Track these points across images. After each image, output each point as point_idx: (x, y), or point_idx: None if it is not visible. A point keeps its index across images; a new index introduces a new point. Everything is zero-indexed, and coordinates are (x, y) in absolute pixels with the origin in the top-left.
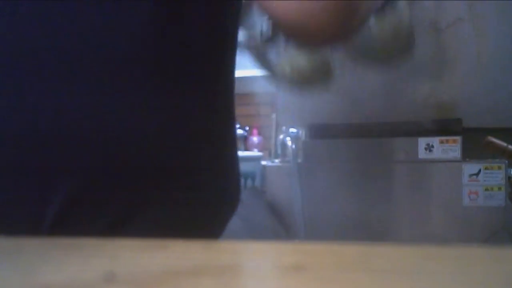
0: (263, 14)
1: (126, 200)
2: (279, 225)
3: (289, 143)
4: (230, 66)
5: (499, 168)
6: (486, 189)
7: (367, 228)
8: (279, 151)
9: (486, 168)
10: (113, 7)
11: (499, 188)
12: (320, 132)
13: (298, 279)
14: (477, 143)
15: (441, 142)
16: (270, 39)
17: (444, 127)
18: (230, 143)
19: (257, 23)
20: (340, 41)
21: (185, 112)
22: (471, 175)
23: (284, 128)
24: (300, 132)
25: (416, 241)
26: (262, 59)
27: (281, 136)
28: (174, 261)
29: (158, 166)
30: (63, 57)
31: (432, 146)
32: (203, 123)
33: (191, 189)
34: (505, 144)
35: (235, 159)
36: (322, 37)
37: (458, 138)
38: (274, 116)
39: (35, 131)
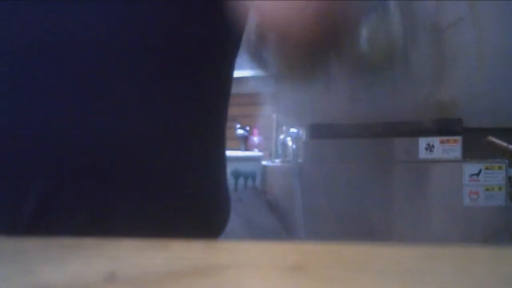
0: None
1: (105, 199)
2: (280, 225)
3: (289, 143)
4: (226, 69)
5: (500, 168)
6: (487, 189)
7: (368, 228)
8: (279, 151)
9: (486, 168)
10: (109, 8)
11: (500, 188)
12: (320, 132)
13: (299, 279)
14: (477, 143)
15: (442, 142)
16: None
17: (445, 127)
18: (219, 148)
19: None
20: (329, 46)
21: (172, 112)
22: (471, 175)
23: (284, 128)
24: (301, 132)
25: (416, 241)
26: (257, 59)
27: (282, 136)
28: (174, 261)
29: (139, 165)
30: (46, 57)
31: (433, 146)
32: (191, 125)
33: (175, 190)
34: (505, 144)
35: (224, 163)
36: (309, 40)
37: (459, 138)
38: (274, 116)
39: (10, 129)
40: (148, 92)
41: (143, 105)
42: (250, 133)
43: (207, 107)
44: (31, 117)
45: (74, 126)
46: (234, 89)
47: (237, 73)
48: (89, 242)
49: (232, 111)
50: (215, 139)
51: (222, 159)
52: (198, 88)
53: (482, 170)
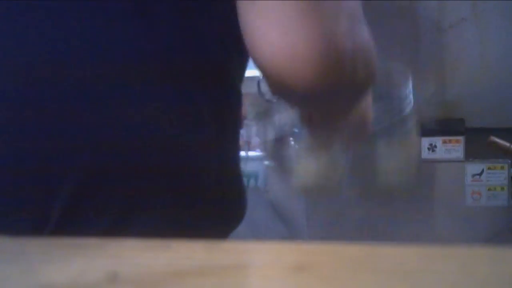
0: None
1: (128, 201)
2: (282, 225)
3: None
4: (241, 72)
5: (502, 168)
6: (489, 189)
7: (370, 228)
8: None
9: (489, 168)
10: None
11: (502, 188)
12: None
13: (301, 279)
14: (480, 143)
15: (444, 142)
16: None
17: (447, 127)
18: (235, 151)
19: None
20: (329, 92)
21: (193, 114)
22: (474, 175)
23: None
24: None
25: (419, 241)
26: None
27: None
28: (177, 261)
29: (162, 167)
30: (79, 62)
31: (435, 146)
32: (212, 128)
33: (195, 192)
34: (508, 144)
35: (239, 167)
36: (307, 84)
37: (461, 138)
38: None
39: (39, 130)
40: (173, 93)
41: (170, 106)
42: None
43: (226, 112)
44: (61, 118)
45: (104, 126)
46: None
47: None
48: (92, 242)
49: None
50: (235, 131)
51: (238, 162)
52: (218, 93)
53: (485, 170)
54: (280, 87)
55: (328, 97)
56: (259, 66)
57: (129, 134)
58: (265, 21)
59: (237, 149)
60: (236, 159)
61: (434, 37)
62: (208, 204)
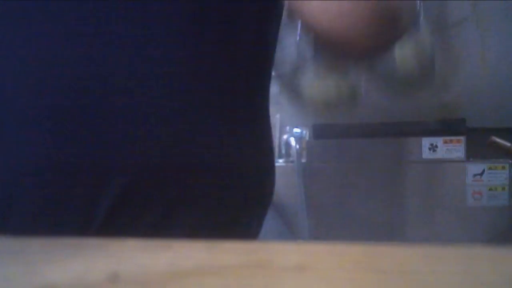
0: (298, 27)
1: (171, 198)
2: (283, 225)
3: (293, 143)
4: (269, 77)
5: (503, 168)
6: (490, 189)
7: (371, 228)
8: (283, 151)
9: (490, 168)
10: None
11: (503, 188)
12: (324, 132)
13: (302, 279)
14: (481, 143)
15: (445, 142)
16: (300, 66)
17: (448, 127)
18: (270, 148)
19: (288, 47)
20: (379, 50)
21: (233, 117)
22: (475, 175)
23: (288, 128)
24: (304, 132)
25: (420, 241)
26: (290, 88)
27: (285, 136)
28: (177, 261)
29: (202, 166)
30: (120, 65)
31: (436, 146)
32: (249, 128)
33: (232, 190)
34: (509, 144)
35: (273, 164)
36: (359, 43)
37: (462, 138)
38: (278, 116)
39: (88, 130)
40: (217, 100)
41: (214, 115)
42: None
43: (261, 113)
44: (107, 117)
45: (149, 125)
46: None
47: None
48: (93, 242)
49: None
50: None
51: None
52: (254, 95)
53: (486, 170)
54: (330, 39)
55: (372, 44)
56: (310, 22)
57: (174, 136)
58: None
59: (271, 140)
60: (269, 148)
61: (435, 37)
62: (245, 193)
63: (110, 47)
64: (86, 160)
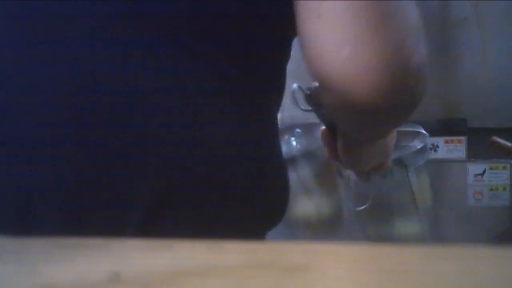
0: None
1: (212, 202)
2: (284, 225)
3: (293, 143)
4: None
5: (504, 168)
6: (491, 189)
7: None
8: (284, 151)
9: (491, 168)
10: None
11: (504, 188)
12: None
13: (303, 279)
14: (482, 143)
15: (446, 142)
16: None
17: (449, 127)
18: (278, 145)
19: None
20: (394, 108)
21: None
22: (476, 175)
23: (289, 127)
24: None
25: (421, 241)
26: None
27: (286, 136)
28: (179, 261)
29: (228, 174)
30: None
31: (437, 146)
32: (260, 129)
33: (244, 190)
34: (510, 144)
35: (282, 158)
36: (374, 97)
37: (463, 138)
38: (279, 115)
39: (122, 135)
40: (230, 104)
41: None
42: None
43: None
44: (140, 121)
45: (184, 127)
46: None
47: None
48: (94, 242)
49: None
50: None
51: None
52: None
53: (487, 170)
54: (343, 99)
55: (386, 113)
56: (323, 78)
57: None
58: (335, 34)
59: (279, 143)
60: (279, 151)
61: (435, 36)
62: (254, 200)
63: (132, 58)
64: (123, 162)
